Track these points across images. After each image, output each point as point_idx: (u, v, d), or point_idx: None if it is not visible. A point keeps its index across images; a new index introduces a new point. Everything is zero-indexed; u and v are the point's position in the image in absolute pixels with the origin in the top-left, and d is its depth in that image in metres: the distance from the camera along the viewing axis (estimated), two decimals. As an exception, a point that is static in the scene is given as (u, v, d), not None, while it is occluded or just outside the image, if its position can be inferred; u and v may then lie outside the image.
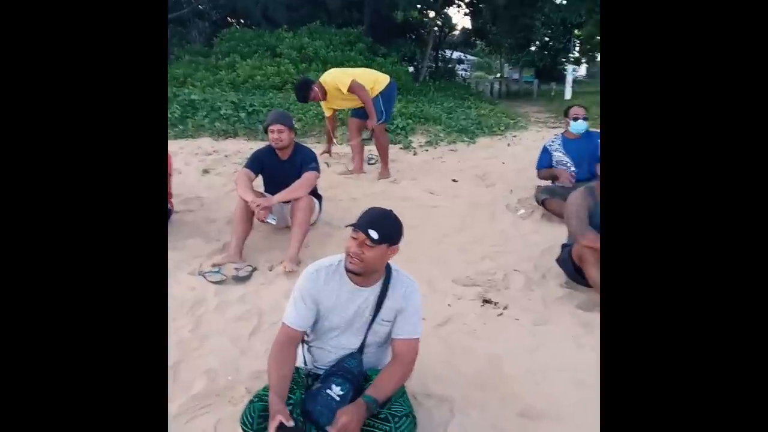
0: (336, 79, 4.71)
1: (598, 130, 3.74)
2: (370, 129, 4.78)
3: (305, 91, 4.69)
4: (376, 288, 1.79)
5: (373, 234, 1.64)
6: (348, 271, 1.73)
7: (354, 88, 4.62)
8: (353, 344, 1.84)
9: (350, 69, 5.58)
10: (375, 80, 4.82)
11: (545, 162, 4.24)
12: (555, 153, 4.20)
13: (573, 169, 4.08)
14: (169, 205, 3.75)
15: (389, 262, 1.82)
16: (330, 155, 5.45)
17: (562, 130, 4.36)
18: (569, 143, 4.15)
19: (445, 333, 2.57)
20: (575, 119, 4.09)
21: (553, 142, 4.29)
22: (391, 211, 1.79)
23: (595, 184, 2.84)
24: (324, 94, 4.72)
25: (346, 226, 1.75)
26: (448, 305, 2.82)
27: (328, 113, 5.09)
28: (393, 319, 1.80)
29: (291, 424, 1.53)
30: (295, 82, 4.79)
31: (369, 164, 5.40)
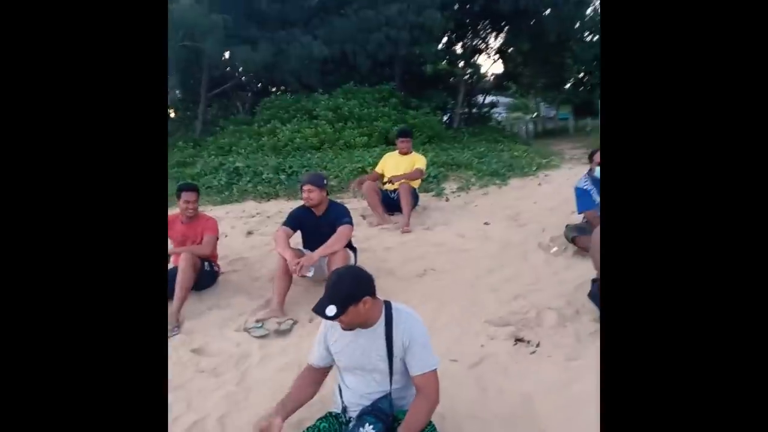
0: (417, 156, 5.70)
1: None
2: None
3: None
4: (379, 328, 1.91)
5: (330, 312, 1.76)
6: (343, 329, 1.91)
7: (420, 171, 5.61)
8: (378, 388, 1.94)
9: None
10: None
11: (590, 204, 4.04)
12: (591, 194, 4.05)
13: None
14: (215, 267, 4.01)
15: (389, 300, 1.97)
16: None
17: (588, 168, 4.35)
18: (598, 183, 4.00)
19: (478, 373, 2.62)
20: (600, 165, 3.97)
21: (585, 182, 4.15)
22: (348, 269, 1.98)
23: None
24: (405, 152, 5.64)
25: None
26: (481, 346, 2.87)
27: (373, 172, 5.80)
28: (404, 356, 1.90)
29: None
30: (401, 128, 5.94)
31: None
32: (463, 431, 2.19)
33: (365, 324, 1.89)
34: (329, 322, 1.96)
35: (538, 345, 2.81)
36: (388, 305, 1.95)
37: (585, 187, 4.12)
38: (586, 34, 17.69)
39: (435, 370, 1.90)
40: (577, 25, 16.14)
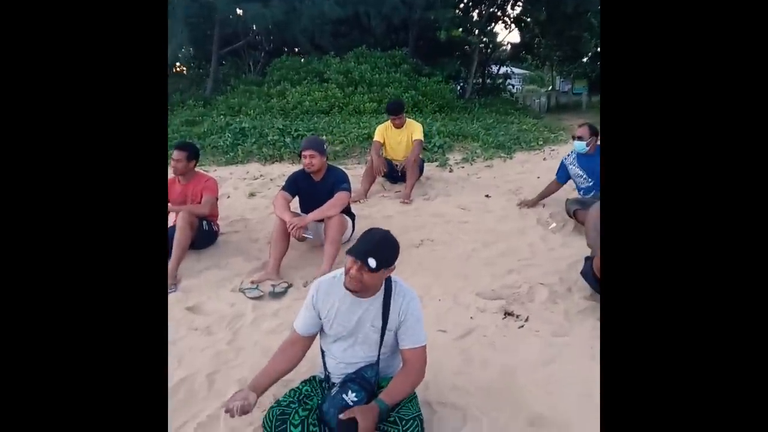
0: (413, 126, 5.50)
1: None
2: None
3: (402, 106, 5.49)
4: (377, 299, 1.90)
5: (372, 263, 1.74)
6: (347, 289, 1.85)
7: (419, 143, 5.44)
8: (364, 357, 1.95)
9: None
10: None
11: (562, 177, 4.49)
12: (570, 167, 4.37)
13: (590, 181, 4.22)
14: (215, 227, 4.04)
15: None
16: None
17: None
18: (582, 158, 4.29)
19: (464, 345, 2.65)
20: (576, 138, 4.26)
21: (569, 156, 4.46)
22: (388, 232, 1.89)
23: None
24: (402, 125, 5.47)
25: (347, 253, 1.82)
26: (471, 318, 2.90)
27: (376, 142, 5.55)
28: (397, 329, 1.90)
29: (239, 405, 1.74)
30: (391, 105, 5.47)
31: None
32: (444, 399, 2.23)
33: (370, 292, 1.88)
34: (321, 288, 1.94)
35: (526, 320, 2.83)
36: (388, 278, 1.93)
37: (564, 160, 4.48)
38: (606, 6, 17.12)
39: (425, 347, 1.91)
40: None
